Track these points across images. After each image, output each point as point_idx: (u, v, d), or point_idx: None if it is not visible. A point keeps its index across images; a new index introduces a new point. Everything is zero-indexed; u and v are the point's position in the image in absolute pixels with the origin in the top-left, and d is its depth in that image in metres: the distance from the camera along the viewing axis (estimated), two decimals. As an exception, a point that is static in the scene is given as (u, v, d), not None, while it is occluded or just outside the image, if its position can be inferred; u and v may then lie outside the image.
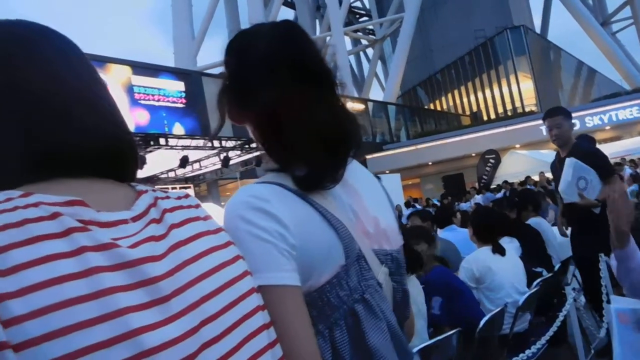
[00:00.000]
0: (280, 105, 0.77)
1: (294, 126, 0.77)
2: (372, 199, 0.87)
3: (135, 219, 0.55)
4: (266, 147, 0.83)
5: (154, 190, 0.62)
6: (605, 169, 3.33)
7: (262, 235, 0.69)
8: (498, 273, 2.80)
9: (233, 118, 0.85)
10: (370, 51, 40.89)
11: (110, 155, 0.59)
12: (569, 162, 3.28)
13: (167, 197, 0.62)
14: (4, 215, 0.44)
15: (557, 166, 3.58)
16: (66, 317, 0.41)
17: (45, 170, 0.53)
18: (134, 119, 12.91)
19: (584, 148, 3.59)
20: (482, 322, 2.15)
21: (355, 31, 37.70)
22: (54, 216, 0.46)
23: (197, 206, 0.65)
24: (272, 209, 0.71)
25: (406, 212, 10.47)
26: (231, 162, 13.17)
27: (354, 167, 0.88)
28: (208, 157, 13.47)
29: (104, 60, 13.09)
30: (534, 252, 3.15)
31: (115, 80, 12.77)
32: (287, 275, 0.69)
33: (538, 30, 40.53)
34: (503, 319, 2.49)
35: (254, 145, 12.09)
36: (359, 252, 0.77)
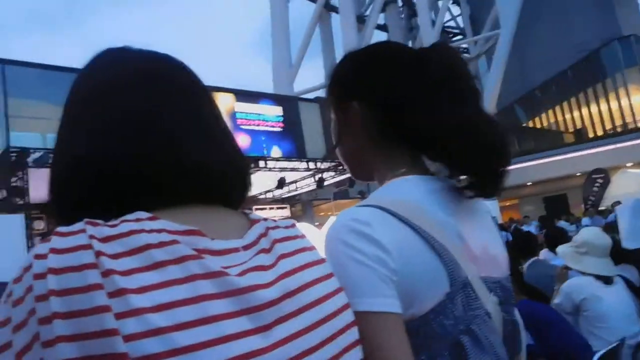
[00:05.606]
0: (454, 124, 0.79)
1: (468, 141, 0.78)
2: (479, 223, 0.84)
3: (246, 247, 0.57)
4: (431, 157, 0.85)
5: (265, 220, 0.64)
6: None
7: (362, 259, 0.68)
8: (605, 300, 2.68)
9: (380, 145, 0.86)
10: (463, 69, 39.95)
11: (226, 180, 0.63)
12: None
13: (277, 227, 0.63)
14: (132, 238, 0.48)
15: None
16: (178, 339, 0.45)
17: (165, 194, 0.57)
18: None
19: None
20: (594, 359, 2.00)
21: (448, 50, 37.09)
22: (172, 243, 0.49)
23: (303, 236, 0.66)
24: (372, 232, 0.70)
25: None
26: (325, 183, 13.57)
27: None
28: (303, 178, 14.01)
29: (211, 90, 14.11)
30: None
31: (221, 108, 13.62)
32: (388, 302, 0.67)
33: (652, 38, 37.21)
34: (619, 357, 2.31)
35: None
36: (465, 279, 0.73)
